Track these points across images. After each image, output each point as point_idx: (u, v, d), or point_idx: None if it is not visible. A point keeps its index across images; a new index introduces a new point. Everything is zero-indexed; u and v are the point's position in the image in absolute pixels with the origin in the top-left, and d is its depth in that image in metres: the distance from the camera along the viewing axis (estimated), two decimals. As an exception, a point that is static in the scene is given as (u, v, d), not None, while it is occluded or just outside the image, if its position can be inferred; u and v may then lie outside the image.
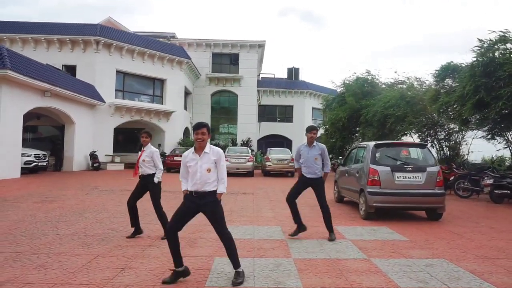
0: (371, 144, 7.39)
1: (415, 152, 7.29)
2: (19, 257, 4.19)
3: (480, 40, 10.81)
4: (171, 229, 3.55)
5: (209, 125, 19.50)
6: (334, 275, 3.84)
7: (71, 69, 21.31)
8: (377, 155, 7.12)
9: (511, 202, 9.98)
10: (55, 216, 6.72)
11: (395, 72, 32.02)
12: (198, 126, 3.51)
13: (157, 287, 3.41)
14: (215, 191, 3.56)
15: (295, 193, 5.59)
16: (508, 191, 9.49)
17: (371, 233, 5.88)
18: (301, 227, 5.55)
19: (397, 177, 6.81)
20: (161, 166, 5.45)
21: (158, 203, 5.30)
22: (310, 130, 5.60)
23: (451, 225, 6.66)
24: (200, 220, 5.78)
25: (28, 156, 15.40)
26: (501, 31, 10.52)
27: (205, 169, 3.50)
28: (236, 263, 3.58)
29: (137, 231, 5.36)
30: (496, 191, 9.61)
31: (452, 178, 11.30)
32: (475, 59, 10.92)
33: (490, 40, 10.55)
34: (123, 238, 5.25)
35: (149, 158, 5.31)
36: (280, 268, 4.02)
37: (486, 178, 9.90)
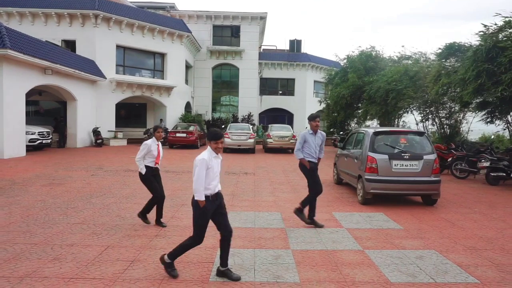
0: (370, 131, 7.52)
1: (413, 140, 7.42)
2: (34, 249, 4.45)
3: (485, 26, 10.66)
4: (198, 244, 3.76)
5: (211, 98, 20.00)
6: (329, 268, 4.10)
7: (70, 44, 21.09)
8: (376, 142, 7.27)
9: (507, 184, 10.22)
10: (64, 201, 6.99)
11: (402, 46, 31.76)
12: (219, 136, 3.67)
13: (165, 281, 3.68)
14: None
15: (317, 182, 5.79)
16: (504, 174, 9.70)
17: (367, 221, 6.14)
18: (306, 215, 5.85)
19: (395, 165, 6.99)
20: None
21: None
22: (315, 118, 5.78)
23: (445, 211, 6.91)
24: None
25: (32, 134, 15.60)
26: (507, 17, 10.32)
27: (219, 172, 3.81)
28: (227, 261, 3.79)
29: (146, 220, 5.69)
30: (492, 174, 9.82)
31: (450, 159, 11.50)
32: (479, 42, 10.82)
33: (495, 24, 10.38)
34: (131, 226, 5.52)
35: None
36: (279, 261, 4.28)
37: (483, 160, 10.08)
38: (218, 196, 3.74)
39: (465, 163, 11.03)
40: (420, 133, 7.54)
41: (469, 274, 3.97)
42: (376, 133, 7.42)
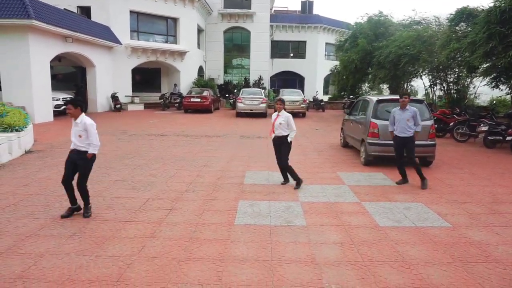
0: (374, 99, 8.21)
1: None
2: (91, 200, 5.47)
3: None
4: None
5: (222, 62, 21.10)
6: (331, 215, 5.03)
7: (85, 10, 21.50)
8: (378, 110, 7.98)
9: (504, 146, 10.88)
10: (102, 162, 7.95)
11: (413, 10, 31.06)
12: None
13: (200, 224, 4.65)
14: None
15: (399, 154, 6.65)
16: (500, 137, 10.36)
17: (367, 179, 7.01)
18: (404, 179, 6.66)
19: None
20: (295, 128, 6.34)
21: (288, 157, 6.38)
22: (403, 95, 6.51)
23: (438, 171, 7.73)
24: (222, 166, 7.00)
25: (57, 100, 16.58)
26: None
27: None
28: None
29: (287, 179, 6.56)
30: (489, 137, 10.49)
31: (452, 123, 12.13)
32: (493, 3, 10.89)
33: None
34: (163, 183, 6.50)
35: (285, 122, 6.27)
36: (290, 210, 5.22)
37: (482, 125, 10.70)
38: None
39: (465, 127, 11.67)
40: (419, 101, 8.19)
41: (445, 221, 4.85)
42: (379, 101, 8.11)
